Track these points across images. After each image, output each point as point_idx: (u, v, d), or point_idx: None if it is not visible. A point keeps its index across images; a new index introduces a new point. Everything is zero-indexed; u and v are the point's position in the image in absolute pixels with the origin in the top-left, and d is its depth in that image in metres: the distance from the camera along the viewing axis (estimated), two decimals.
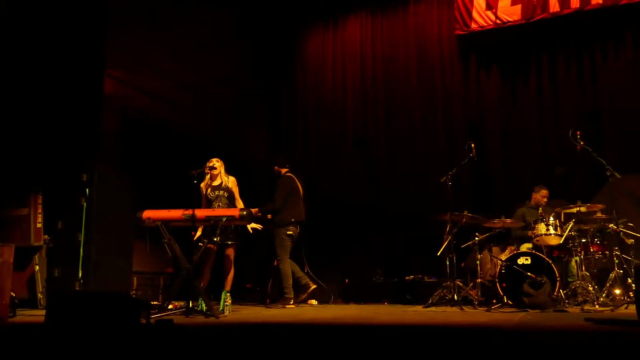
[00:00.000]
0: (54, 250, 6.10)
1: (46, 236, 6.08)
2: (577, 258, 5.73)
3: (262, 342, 3.41)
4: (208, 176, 5.72)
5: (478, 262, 6.16)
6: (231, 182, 5.76)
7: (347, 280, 7.64)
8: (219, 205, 5.57)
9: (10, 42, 6.55)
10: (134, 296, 5.98)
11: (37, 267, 6.01)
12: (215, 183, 5.71)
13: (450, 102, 8.77)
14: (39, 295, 5.94)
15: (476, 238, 6.19)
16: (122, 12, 7.08)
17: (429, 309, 5.71)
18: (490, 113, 8.50)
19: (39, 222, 6.02)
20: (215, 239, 5.23)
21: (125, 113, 7.12)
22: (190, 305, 4.97)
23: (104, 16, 6.90)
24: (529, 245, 6.18)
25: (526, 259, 5.71)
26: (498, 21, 8.33)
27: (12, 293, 4.75)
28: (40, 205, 6.03)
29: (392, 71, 9.25)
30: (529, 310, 5.24)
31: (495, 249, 6.47)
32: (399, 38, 9.28)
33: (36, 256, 6.04)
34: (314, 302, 7.20)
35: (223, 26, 8.78)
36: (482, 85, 8.62)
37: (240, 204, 5.68)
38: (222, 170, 5.75)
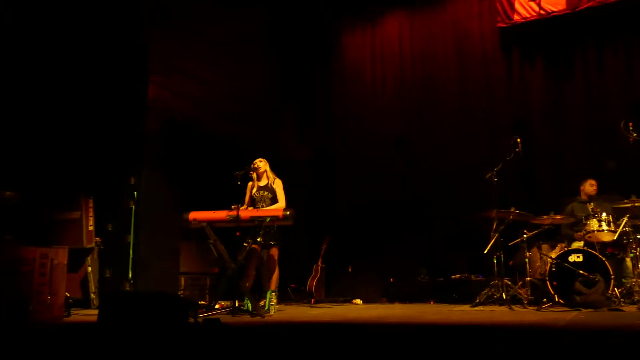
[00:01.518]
0: (105, 252, 6.28)
1: (97, 238, 6.27)
2: (633, 255, 5.51)
3: (307, 342, 3.42)
4: (255, 176, 5.73)
5: (527, 260, 6.00)
6: (277, 182, 5.76)
7: (391, 280, 7.58)
8: (262, 206, 5.60)
9: (60, 56, 6.79)
10: (181, 296, 6.11)
11: (89, 269, 6.20)
12: (262, 183, 5.72)
13: (492, 98, 8.58)
14: (92, 295, 6.13)
15: (524, 235, 6.04)
16: (163, 21, 7.24)
17: (476, 308, 5.60)
18: (535, 107, 8.27)
19: (91, 225, 6.21)
20: (258, 239, 5.28)
21: (168, 118, 7.28)
22: (237, 305, 5.03)
23: (146, 25, 7.07)
24: (581, 242, 5.98)
25: (578, 257, 5.54)
26: (542, 12, 8.10)
27: (66, 293, 4.92)
28: (91, 209, 6.22)
29: (431, 68, 9.13)
30: (581, 309, 5.07)
31: (544, 246, 6.29)
32: (438, 34, 9.15)
33: (88, 258, 6.23)
34: (358, 301, 7.19)
35: (260, 29, 8.86)
36: (525, 78, 8.40)
37: (282, 204, 5.66)
38: (268, 169, 5.75)
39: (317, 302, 7.31)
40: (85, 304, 6.07)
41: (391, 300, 7.25)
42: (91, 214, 6.21)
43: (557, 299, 5.43)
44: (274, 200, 5.66)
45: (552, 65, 8.19)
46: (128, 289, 5.95)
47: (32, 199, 5.17)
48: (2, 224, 4.80)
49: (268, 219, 5.21)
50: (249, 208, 5.55)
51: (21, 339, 3.66)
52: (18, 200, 4.97)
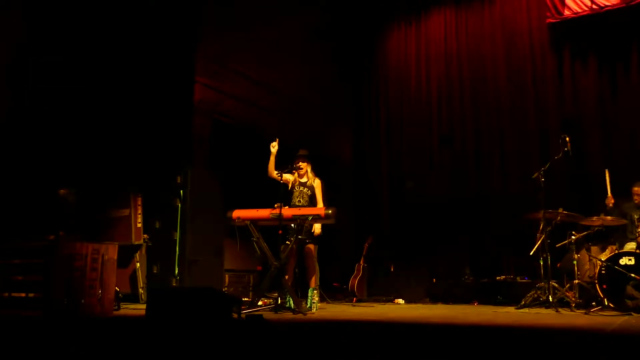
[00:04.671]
0: (152, 249, 6.46)
1: (145, 235, 6.45)
2: None
3: (348, 339, 3.43)
4: (296, 174, 5.80)
5: (575, 262, 5.83)
6: (316, 183, 5.81)
7: (434, 280, 7.51)
8: (299, 201, 5.64)
9: (111, 58, 7.03)
10: (226, 292, 6.22)
11: (138, 265, 6.40)
12: (303, 180, 5.80)
13: (542, 96, 8.36)
14: (140, 290, 6.32)
15: (572, 237, 5.87)
16: (209, 21, 7.39)
17: (521, 310, 5.49)
18: (587, 106, 8.00)
19: (139, 222, 6.39)
20: (299, 237, 5.33)
21: (214, 117, 7.43)
22: (279, 302, 5.10)
23: (193, 26, 7.23)
24: (633, 245, 5.77)
25: (629, 259, 5.34)
26: (594, 6, 7.81)
27: (116, 288, 5.09)
28: (139, 207, 6.41)
29: (478, 66, 8.97)
30: (632, 313, 4.90)
31: (594, 249, 6.10)
32: (485, 31, 8.98)
33: (137, 254, 6.43)
34: (400, 301, 7.16)
35: (307, 29, 8.91)
36: (577, 76, 8.14)
37: (320, 205, 5.69)
38: (309, 170, 5.82)
39: (359, 301, 7.32)
40: (134, 298, 6.27)
41: (434, 300, 7.18)
42: (139, 211, 6.39)
43: (606, 303, 5.25)
44: (312, 197, 5.70)
45: (606, 63, 7.89)
46: (175, 284, 6.10)
47: (84, 197, 5.37)
48: (57, 221, 5.01)
49: (310, 218, 5.26)
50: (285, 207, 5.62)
51: (75, 331, 3.82)
52: (72, 197, 5.17)
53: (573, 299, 5.55)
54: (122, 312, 5.15)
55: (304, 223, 5.27)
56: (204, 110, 7.24)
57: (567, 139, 5.95)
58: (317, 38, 9.15)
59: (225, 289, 6.89)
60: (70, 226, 4.95)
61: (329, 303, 6.82)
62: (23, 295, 4.80)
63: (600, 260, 5.58)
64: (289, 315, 4.88)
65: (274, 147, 5.62)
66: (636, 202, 6.20)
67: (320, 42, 9.25)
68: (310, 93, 9.04)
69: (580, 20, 8.01)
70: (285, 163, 5.68)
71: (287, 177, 5.78)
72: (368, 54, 10.09)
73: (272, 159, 5.63)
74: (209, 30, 7.38)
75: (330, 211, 5.26)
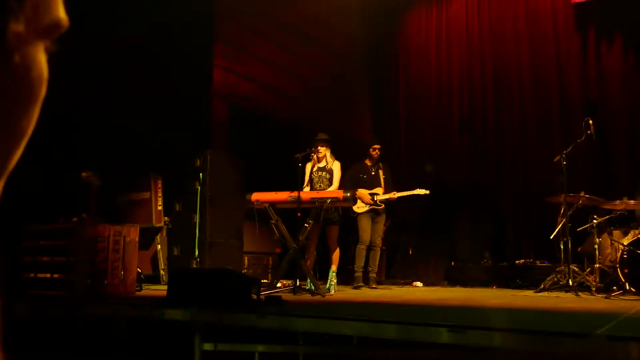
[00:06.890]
0: (173, 231, 6.55)
1: (166, 218, 6.54)
2: None
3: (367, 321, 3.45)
4: (315, 157, 5.82)
5: (596, 246, 5.75)
6: (335, 165, 5.82)
7: (452, 263, 7.50)
8: (320, 186, 5.67)
9: (128, 42, 7.05)
10: (245, 274, 6.29)
11: (159, 247, 6.50)
12: (321, 165, 5.81)
13: (566, 78, 8.22)
14: (162, 272, 6.43)
15: (594, 221, 5.79)
16: (229, 4, 7.37)
17: (540, 294, 5.46)
18: (612, 88, 7.85)
19: (160, 205, 6.48)
20: (318, 220, 5.35)
21: (233, 101, 7.45)
22: (298, 284, 5.14)
23: (213, 10, 7.21)
24: None
25: None
26: None
27: (138, 269, 5.18)
28: (160, 190, 6.49)
29: (500, 47, 8.84)
30: None
31: (616, 233, 6.01)
32: (508, 11, 8.83)
33: (158, 236, 6.53)
34: (419, 284, 7.17)
35: (327, 13, 8.82)
36: (602, 58, 7.98)
37: (335, 186, 5.71)
38: (328, 153, 5.82)
39: (377, 283, 7.33)
40: (155, 279, 6.38)
41: (452, 283, 7.18)
42: (160, 194, 6.47)
43: (628, 287, 5.19)
44: (332, 181, 5.72)
45: (633, 43, 7.72)
46: (195, 266, 6.18)
47: (106, 180, 5.45)
48: (79, 203, 5.10)
49: (329, 201, 5.27)
50: (307, 189, 5.65)
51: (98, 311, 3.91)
52: (95, 180, 5.25)
53: (594, 283, 5.50)
54: (144, 292, 5.25)
55: (322, 205, 5.29)
56: (222, 94, 7.27)
57: (591, 122, 5.85)
58: (337, 21, 9.07)
59: (245, 270, 6.96)
60: (92, 209, 5.04)
61: (347, 285, 6.85)
62: (48, 275, 4.92)
63: (622, 244, 5.51)
64: (307, 296, 4.92)
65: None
66: None
67: (340, 25, 9.17)
68: (329, 76, 9.00)
69: (607, 0, 7.82)
70: (304, 148, 5.69)
71: (308, 165, 5.81)
72: (388, 36, 9.99)
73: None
74: (229, 13, 7.37)
75: (348, 194, 5.27)
